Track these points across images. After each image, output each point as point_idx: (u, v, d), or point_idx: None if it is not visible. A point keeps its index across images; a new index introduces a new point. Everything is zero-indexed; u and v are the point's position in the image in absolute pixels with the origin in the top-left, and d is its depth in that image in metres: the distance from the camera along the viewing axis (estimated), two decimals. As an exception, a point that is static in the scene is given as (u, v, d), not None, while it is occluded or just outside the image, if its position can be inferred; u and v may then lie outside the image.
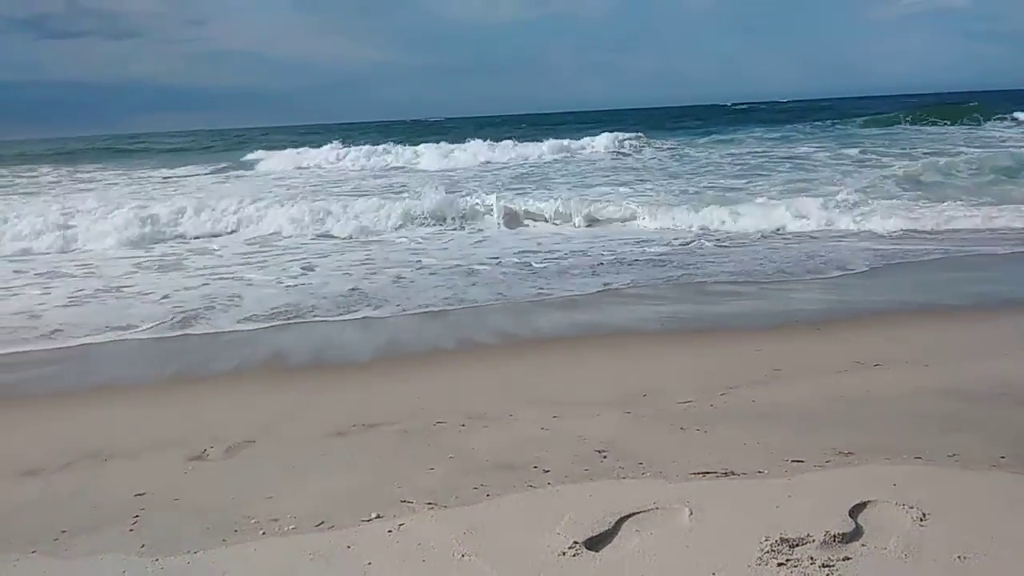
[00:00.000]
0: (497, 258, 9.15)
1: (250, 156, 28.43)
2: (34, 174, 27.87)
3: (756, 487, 2.97)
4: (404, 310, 6.71)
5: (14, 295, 7.93)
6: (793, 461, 3.21)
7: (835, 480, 2.99)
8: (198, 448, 3.69)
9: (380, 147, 26.56)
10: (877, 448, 3.29)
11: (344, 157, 25.48)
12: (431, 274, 8.38)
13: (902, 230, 9.78)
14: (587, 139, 25.85)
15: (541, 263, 8.75)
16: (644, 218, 10.99)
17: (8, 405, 4.73)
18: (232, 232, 11.65)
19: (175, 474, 3.43)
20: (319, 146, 28.20)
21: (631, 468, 3.22)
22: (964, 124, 31.18)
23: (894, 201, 11.80)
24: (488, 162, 23.24)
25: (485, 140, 26.17)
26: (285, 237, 11.23)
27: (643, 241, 9.86)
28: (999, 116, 32.59)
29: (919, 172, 14.09)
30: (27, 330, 6.44)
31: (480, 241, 10.75)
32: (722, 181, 15.77)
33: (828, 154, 20.72)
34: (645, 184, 15.81)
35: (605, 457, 3.35)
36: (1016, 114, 32.22)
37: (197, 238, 11.32)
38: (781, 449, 3.34)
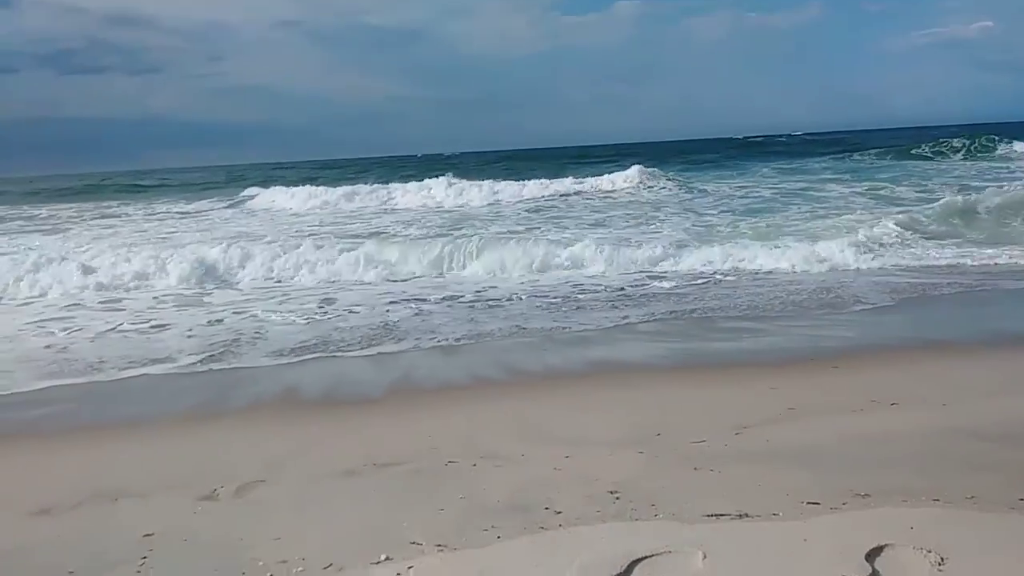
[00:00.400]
0: (514, 292, 9.13)
1: (263, 192, 28.47)
2: (56, 208, 28.29)
3: (771, 530, 2.93)
4: (419, 345, 6.72)
5: (42, 329, 8.00)
6: (808, 503, 3.16)
7: (851, 523, 2.94)
8: (208, 488, 3.68)
9: (391, 184, 26.61)
10: (894, 490, 3.24)
11: (357, 195, 25.35)
12: (448, 307, 8.40)
13: (919, 264, 9.73)
14: (600, 177, 25.77)
15: (556, 297, 8.73)
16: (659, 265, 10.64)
17: (25, 441, 4.75)
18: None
19: (185, 514, 3.42)
20: (333, 182, 28.28)
21: (644, 510, 3.19)
22: (976, 158, 31.08)
23: (910, 234, 11.74)
24: (498, 199, 23.18)
25: (497, 177, 26.13)
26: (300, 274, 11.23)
27: (659, 276, 9.81)
28: (1006, 140, 32.53)
29: (936, 209, 13.99)
30: (61, 363, 6.50)
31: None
32: (737, 216, 15.71)
33: (842, 187, 20.71)
34: (661, 222, 15.70)
35: (618, 498, 3.32)
36: (1014, 144, 31.97)
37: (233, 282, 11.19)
38: (796, 490, 3.29)
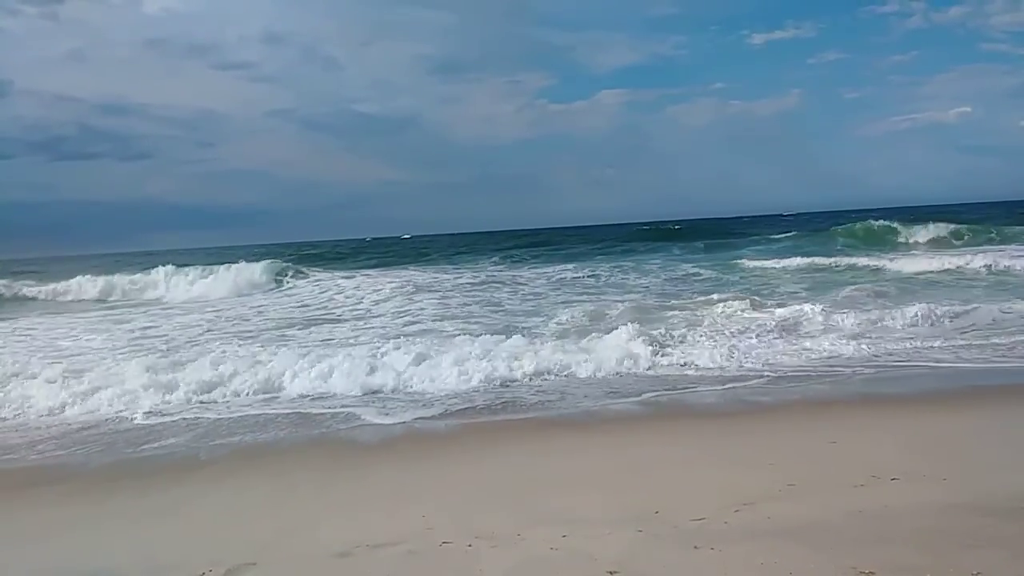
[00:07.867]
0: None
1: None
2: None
3: (775, 610, 2.85)
4: (417, 416, 6.70)
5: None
6: (813, 582, 3.09)
7: (857, 602, 2.87)
8: (196, 572, 3.58)
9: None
10: (899, 567, 3.18)
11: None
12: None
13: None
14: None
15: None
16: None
17: (23, 511, 4.64)
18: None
19: (172, 600, 3.32)
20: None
21: (644, 590, 3.11)
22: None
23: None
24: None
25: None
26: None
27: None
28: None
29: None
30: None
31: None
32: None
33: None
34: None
35: (618, 579, 3.24)
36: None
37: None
38: (800, 570, 3.22)
